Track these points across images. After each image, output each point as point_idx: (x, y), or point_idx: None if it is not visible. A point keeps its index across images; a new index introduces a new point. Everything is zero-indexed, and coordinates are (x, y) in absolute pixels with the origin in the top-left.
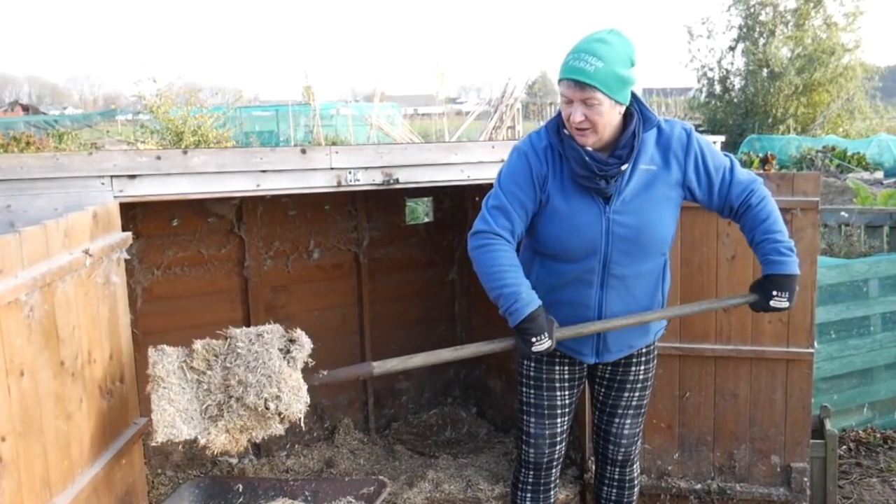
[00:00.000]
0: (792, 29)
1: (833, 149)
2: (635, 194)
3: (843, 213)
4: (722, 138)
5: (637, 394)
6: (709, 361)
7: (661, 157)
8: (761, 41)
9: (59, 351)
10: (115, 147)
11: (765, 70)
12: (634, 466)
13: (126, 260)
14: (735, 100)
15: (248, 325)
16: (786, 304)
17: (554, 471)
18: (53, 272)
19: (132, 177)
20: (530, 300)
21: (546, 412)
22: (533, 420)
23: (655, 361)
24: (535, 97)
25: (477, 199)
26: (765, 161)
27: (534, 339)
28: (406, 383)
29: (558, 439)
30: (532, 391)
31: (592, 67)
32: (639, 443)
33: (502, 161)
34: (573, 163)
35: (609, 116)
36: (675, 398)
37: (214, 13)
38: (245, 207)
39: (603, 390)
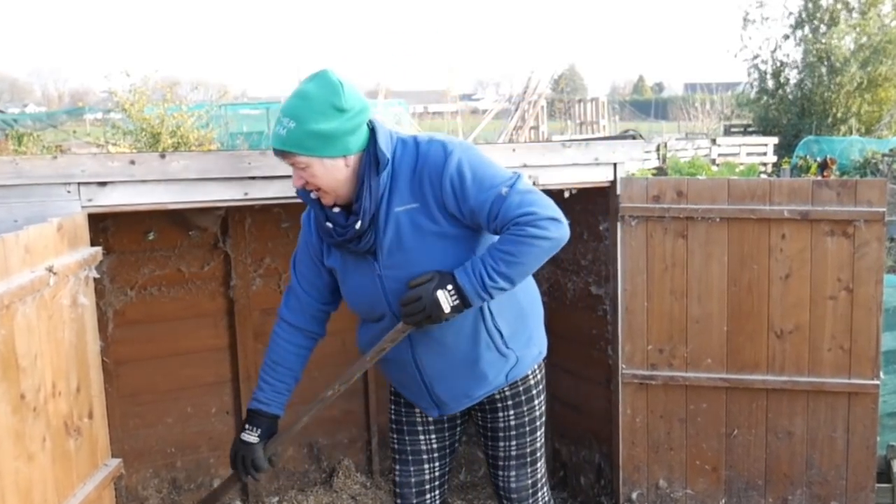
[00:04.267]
0: (856, 17)
1: None
2: (399, 244)
3: None
4: (774, 140)
5: (514, 443)
6: (760, 395)
7: (420, 190)
8: (821, 30)
9: (19, 383)
10: (83, 150)
11: (824, 63)
12: None
13: (95, 279)
14: (790, 96)
15: (233, 352)
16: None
17: None
18: (12, 293)
19: (102, 184)
20: (263, 401)
21: (410, 458)
22: (398, 467)
23: (535, 405)
24: (561, 93)
25: None
26: (823, 166)
27: (246, 426)
28: None
29: (427, 487)
30: (395, 436)
31: (285, 131)
32: (540, 497)
33: (525, 166)
34: (320, 229)
35: (329, 175)
36: (722, 436)
37: None
38: (231, 219)
39: (482, 439)
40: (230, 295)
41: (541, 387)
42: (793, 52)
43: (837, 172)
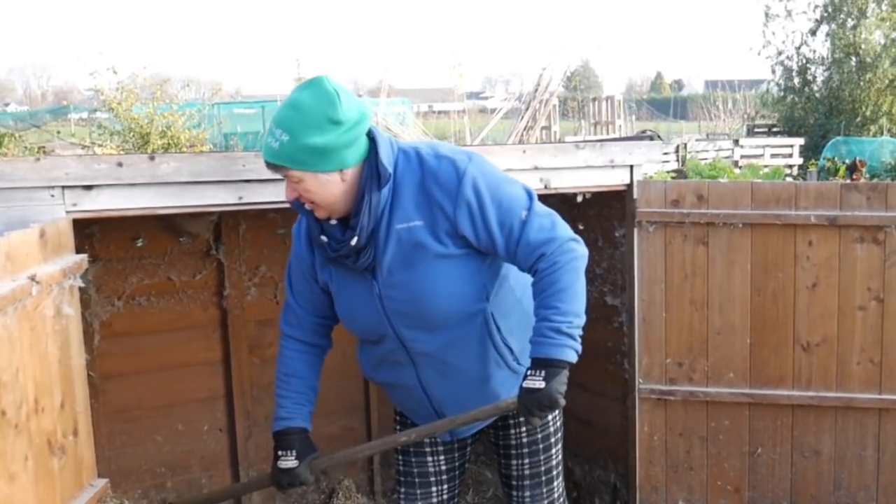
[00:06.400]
0: (886, 9)
1: None
2: (400, 262)
3: None
4: (801, 141)
5: (527, 461)
6: (785, 411)
7: (426, 207)
8: (849, 23)
9: (0, 398)
10: (68, 151)
11: (853, 58)
12: None
13: (81, 288)
14: (817, 94)
15: (227, 365)
16: (539, 384)
17: None
18: None
19: (88, 187)
20: (288, 417)
21: (417, 480)
22: (403, 490)
23: (551, 420)
24: (574, 91)
25: None
26: (853, 168)
27: (280, 454)
28: None
29: None
30: (401, 457)
31: (277, 143)
32: None
33: (536, 168)
34: (314, 243)
35: (323, 190)
36: (745, 455)
37: None
38: (225, 225)
39: (495, 457)
40: (223, 305)
41: None
42: (819, 48)
43: (867, 175)
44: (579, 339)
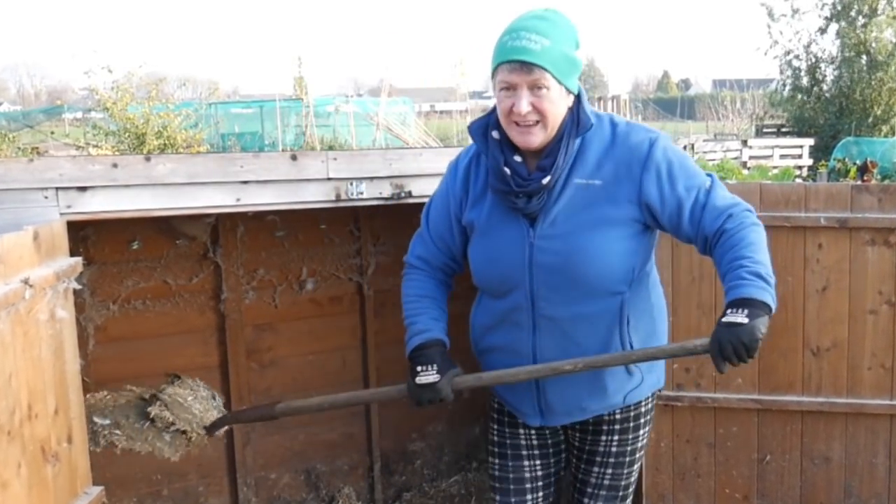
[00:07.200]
0: None
1: None
2: (567, 215)
3: None
4: (810, 141)
5: (609, 471)
6: (794, 417)
7: (610, 169)
8: (859, 21)
9: None
10: (62, 152)
11: (864, 57)
12: None
13: (75, 292)
14: (827, 94)
15: (224, 371)
16: (742, 319)
17: None
18: None
19: (82, 189)
20: (425, 330)
21: (512, 487)
22: (498, 497)
23: (641, 434)
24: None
25: None
26: (864, 169)
27: (419, 369)
28: (421, 444)
29: None
30: (496, 460)
31: (539, 46)
32: None
33: None
34: (491, 174)
35: (559, 106)
36: (753, 462)
37: None
38: (222, 227)
39: (574, 461)
40: (221, 309)
41: (650, 416)
42: (829, 47)
43: (879, 176)
44: (775, 297)
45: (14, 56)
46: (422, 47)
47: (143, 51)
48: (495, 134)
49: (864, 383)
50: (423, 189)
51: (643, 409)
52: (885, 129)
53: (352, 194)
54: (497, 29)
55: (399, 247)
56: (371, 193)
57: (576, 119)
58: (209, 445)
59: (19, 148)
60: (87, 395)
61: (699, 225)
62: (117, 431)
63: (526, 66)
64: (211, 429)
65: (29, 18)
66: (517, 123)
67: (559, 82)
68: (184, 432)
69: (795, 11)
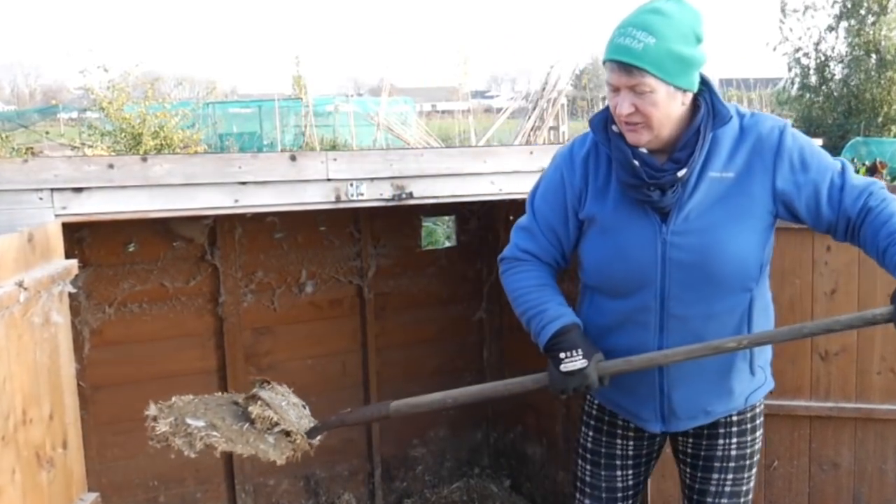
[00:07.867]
0: None
1: None
2: (702, 210)
3: None
4: (819, 141)
5: (730, 476)
6: (802, 422)
7: (742, 161)
8: (869, 19)
9: None
10: (57, 153)
11: (873, 56)
12: None
13: (70, 294)
14: (835, 93)
15: (222, 375)
16: None
17: None
18: None
19: (78, 190)
20: (559, 315)
21: (604, 495)
22: (587, 502)
23: (758, 436)
24: (583, 90)
25: (511, 217)
26: (873, 170)
27: (562, 356)
28: (422, 450)
29: None
30: (588, 467)
31: (641, 45)
32: None
33: (543, 170)
34: (618, 167)
35: (667, 107)
36: (761, 468)
37: None
38: (220, 229)
39: (688, 470)
40: (219, 312)
41: (762, 419)
42: (838, 45)
43: (888, 177)
44: None
45: (8, 55)
46: (423, 46)
47: (139, 49)
48: (615, 128)
49: (873, 388)
50: (425, 190)
51: (758, 411)
52: (894, 129)
53: (352, 195)
54: (498, 28)
55: (400, 248)
56: (371, 194)
57: (711, 111)
58: (207, 451)
59: (13, 148)
60: (175, 398)
61: (839, 207)
62: (214, 433)
63: (625, 68)
64: (313, 432)
65: (24, 17)
66: (625, 122)
67: (665, 83)
68: (287, 434)
69: (808, 7)
